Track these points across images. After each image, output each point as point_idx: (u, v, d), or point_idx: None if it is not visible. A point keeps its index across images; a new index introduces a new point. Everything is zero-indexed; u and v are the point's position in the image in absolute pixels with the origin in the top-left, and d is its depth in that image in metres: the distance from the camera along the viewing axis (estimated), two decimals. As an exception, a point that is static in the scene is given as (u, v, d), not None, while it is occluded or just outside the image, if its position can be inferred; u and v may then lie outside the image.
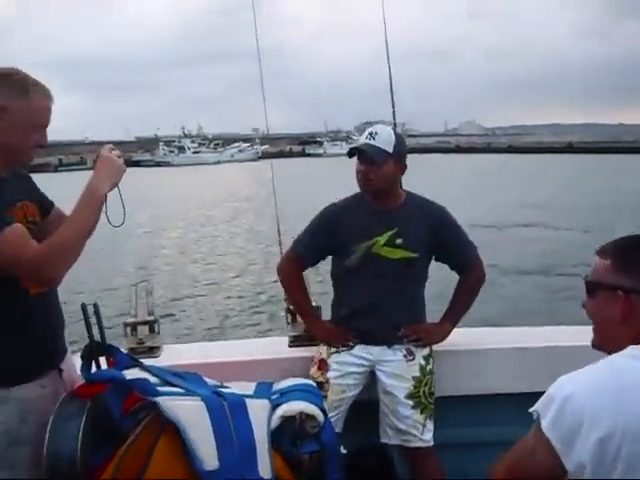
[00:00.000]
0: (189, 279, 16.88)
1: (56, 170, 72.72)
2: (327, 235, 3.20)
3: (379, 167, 3.05)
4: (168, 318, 11.67)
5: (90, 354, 2.55)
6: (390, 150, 3.05)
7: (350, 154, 3.10)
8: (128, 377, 2.39)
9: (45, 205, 2.59)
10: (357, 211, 3.17)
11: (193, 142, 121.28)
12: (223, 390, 2.51)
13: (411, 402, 3.05)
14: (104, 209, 2.36)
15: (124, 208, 2.50)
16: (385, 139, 3.06)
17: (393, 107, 4.20)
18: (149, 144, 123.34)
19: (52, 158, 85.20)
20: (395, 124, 4.11)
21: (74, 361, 2.61)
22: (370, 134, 3.09)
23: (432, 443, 3.08)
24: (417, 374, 3.08)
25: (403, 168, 3.16)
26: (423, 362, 3.11)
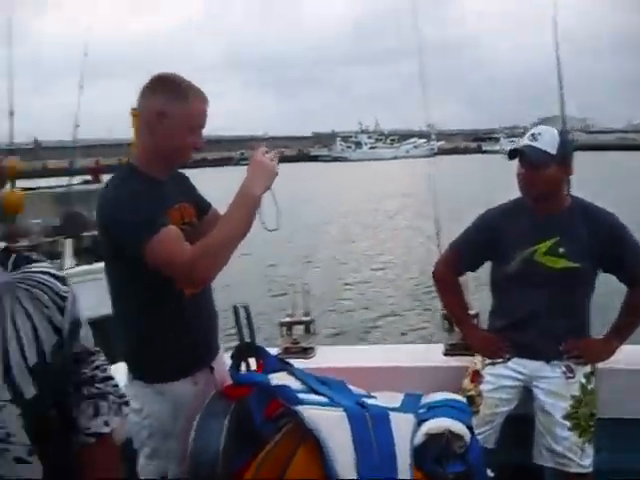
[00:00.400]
0: (351, 275, 16.69)
1: (237, 164, 76.09)
2: (486, 240, 3.03)
3: (540, 171, 2.83)
4: (326, 316, 11.69)
5: (240, 355, 2.56)
6: (553, 152, 2.83)
7: (511, 156, 2.91)
8: (273, 382, 2.36)
9: (202, 206, 2.62)
10: (518, 216, 2.98)
11: (370, 137, 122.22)
12: (368, 401, 2.43)
13: (569, 423, 2.82)
14: (258, 212, 2.32)
15: (277, 211, 2.44)
16: (548, 140, 2.85)
17: (562, 101, 3.97)
18: (326, 139, 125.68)
19: (234, 153, 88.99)
20: (564, 121, 3.86)
21: (225, 359, 2.63)
22: (532, 135, 2.88)
23: (591, 469, 2.82)
24: (577, 393, 2.84)
25: (568, 171, 2.93)
26: (584, 380, 2.87)
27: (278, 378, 2.43)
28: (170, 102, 2.30)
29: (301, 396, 2.29)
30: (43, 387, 1.31)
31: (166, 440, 2.35)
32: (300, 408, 2.21)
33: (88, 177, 13.74)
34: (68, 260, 10.68)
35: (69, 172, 13.23)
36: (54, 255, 10.63)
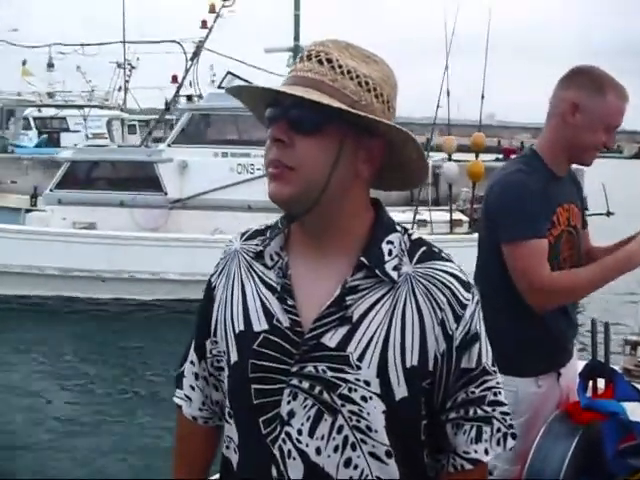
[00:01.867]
0: None
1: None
2: None
3: None
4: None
5: (590, 374, 2.37)
6: None
7: None
8: (631, 416, 2.10)
9: (584, 217, 2.44)
10: None
11: None
12: None
13: None
14: None
15: None
16: None
17: None
18: None
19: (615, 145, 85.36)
20: None
21: (577, 369, 2.42)
22: None
23: None
24: None
25: None
26: None
27: (633, 411, 2.17)
28: (586, 96, 2.15)
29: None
30: (416, 393, 1.17)
31: None
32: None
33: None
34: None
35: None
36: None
